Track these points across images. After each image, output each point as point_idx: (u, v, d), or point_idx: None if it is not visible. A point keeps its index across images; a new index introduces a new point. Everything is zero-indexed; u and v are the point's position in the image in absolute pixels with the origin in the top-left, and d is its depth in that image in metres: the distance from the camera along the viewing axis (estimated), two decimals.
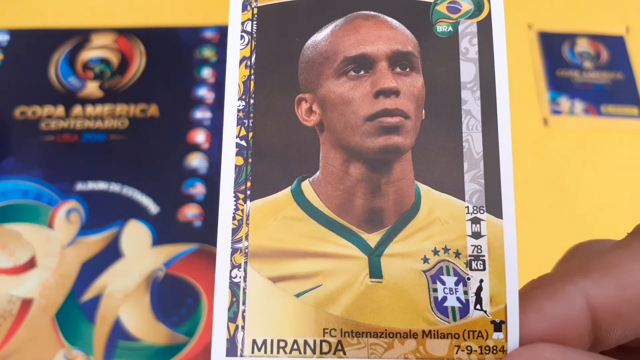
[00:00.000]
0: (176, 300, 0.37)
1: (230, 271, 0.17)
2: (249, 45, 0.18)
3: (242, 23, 0.18)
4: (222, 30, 0.48)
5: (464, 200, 0.17)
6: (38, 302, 0.37)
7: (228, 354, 0.16)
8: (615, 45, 0.49)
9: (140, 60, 0.47)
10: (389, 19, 0.18)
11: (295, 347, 0.17)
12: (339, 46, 0.18)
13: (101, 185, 0.41)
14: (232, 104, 0.18)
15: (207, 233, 0.40)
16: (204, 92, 0.45)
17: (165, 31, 0.48)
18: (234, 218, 0.17)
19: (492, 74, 0.17)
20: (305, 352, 0.17)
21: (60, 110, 0.45)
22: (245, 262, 0.17)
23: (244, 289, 0.17)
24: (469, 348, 0.16)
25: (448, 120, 0.17)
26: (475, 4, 0.18)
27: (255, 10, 0.18)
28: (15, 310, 0.37)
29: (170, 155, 0.42)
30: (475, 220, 0.17)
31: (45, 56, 0.47)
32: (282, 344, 0.17)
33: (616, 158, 0.44)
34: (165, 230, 0.40)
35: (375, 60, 0.17)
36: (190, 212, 0.40)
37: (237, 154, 0.17)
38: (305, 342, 0.17)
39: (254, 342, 0.16)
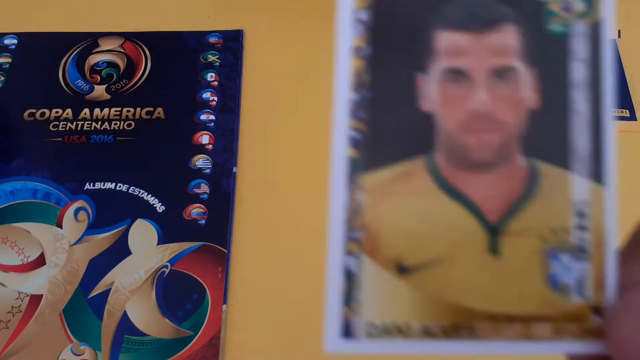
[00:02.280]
0: (181, 296, 0.38)
1: (344, 259, 0.18)
2: (364, 35, 0.18)
3: (355, 11, 0.18)
4: (226, 36, 0.49)
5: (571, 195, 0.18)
6: (46, 299, 0.38)
7: (343, 337, 0.17)
8: None
9: (146, 64, 0.48)
10: (494, 25, 0.18)
11: (408, 330, 0.18)
12: (440, 51, 0.18)
13: (108, 185, 0.42)
14: (345, 96, 0.18)
15: (211, 231, 0.41)
16: (208, 96, 0.46)
17: (170, 36, 0.49)
18: (347, 207, 0.18)
19: (601, 75, 0.18)
20: (418, 336, 0.17)
21: (68, 112, 0.45)
22: (360, 251, 0.18)
23: (359, 276, 0.18)
24: (570, 330, 0.17)
25: (558, 118, 0.18)
26: (587, 5, 0.18)
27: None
28: (23, 306, 0.38)
29: (175, 156, 0.43)
30: (581, 215, 0.18)
31: (53, 60, 0.48)
32: (395, 327, 0.18)
33: None
34: (171, 228, 0.41)
35: (471, 73, 0.18)
36: (195, 211, 0.41)
37: (351, 145, 0.18)
38: (419, 326, 0.18)
39: (369, 325, 0.17)
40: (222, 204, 0.42)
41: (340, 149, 0.18)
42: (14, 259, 0.39)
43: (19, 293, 0.38)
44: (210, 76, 0.47)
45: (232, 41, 0.49)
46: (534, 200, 0.18)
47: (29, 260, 0.39)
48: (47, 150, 0.44)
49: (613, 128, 0.18)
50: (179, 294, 0.38)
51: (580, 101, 0.18)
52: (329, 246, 0.17)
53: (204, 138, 0.44)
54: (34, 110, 0.45)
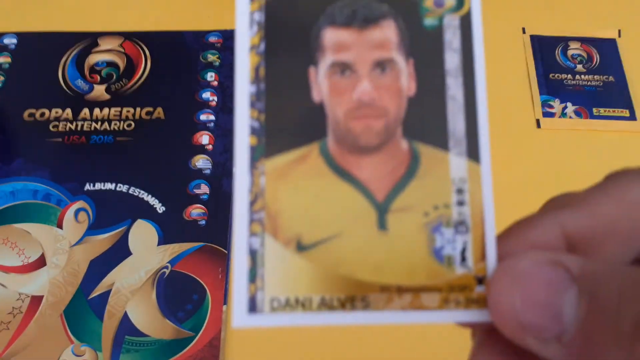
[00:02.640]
0: (182, 296, 0.38)
1: (249, 239, 0.19)
2: (259, 33, 0.20)
3: (251, 13, 0.20)
4: (225, 35, 0.49)
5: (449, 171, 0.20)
6: (47, 300, 0.38)
7: (249, 312, 0.19)
8: (607, 48, 0.50)
9: (145, 63, 0.47)
10: (376, 21, 0.20)
11: (308, 303, 0.19)
12: (327, 46, 0.20)
13: (109, 186, 0.42)
14: (244, 89, 0.20)
15: (211, 231, 0.41)
16: (208, 95, 0.46)
17: (170, 36, 0.49)
18: (250, 191, 0.19)
19: (472, 62, 0.20)
20: (317, 308, 0.19)
21: (68, 112, 0.45)
22: (263, 231, 0.19)
23: (262, 254, 0.19)
24: (456, 300, 0.19)
25: (435, 104, 0.20)
26: (457, 0, 0.20)
27: (263, 1, 0.20)
28: (24, 307, 0.38)
29: (175, 156, 0.43)
30: (460, 192, 0.19)
31: (53, 59, 0.47)
32: (296, 301, 0.19)
33: (608, 160, 0.45)
34: (171, 229, 0.41)
35: (355, 66, 0.20)
36: (195, 212, 0.41)
37: (251, 133, 0.19)
38: (318, 299, 0.19)
39: (272, 300, 0.19)
40: (222, 205, 0.42)
41: (242, 137, 0.19)
42: (15, 260, 0.39)
43: (19, 294, 0.38)
44: (210, 76, 0.47)
45: (232, 40, 0.49)
46: (416, 180, 0.20)
47: (30, 261, 0.39)
48: (47, 151, 0.44)
49: (485, 110, 0.20)
50: (179, 295, 0.38)
51: (454, 87, 0.20)
52: (235, 227, 0.19)
53: (204, 138, 0.44)
54: (33, 110, 0.45)
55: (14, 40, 0.48)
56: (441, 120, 0.20)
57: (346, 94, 0.20)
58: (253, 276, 0.19)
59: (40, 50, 0.48)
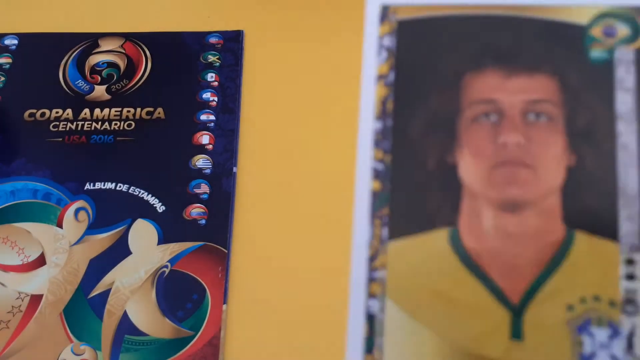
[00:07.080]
0: (181, 295, 0.38)
1: (367, 301, 0.15)
2: (388, 61, 0.16)
3: (380, 37, 0.16)
4: (226, 36, 0.49)
5: (617, 240, 0.15)
6: (46, 299, 0.38)
7: None
8: None
9: (146, 64, 0.48)
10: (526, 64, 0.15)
11: None
12: (471, 91, 0.16)
13: (109, 185, 0.42)
14: (369, 124, 0.16)
15: (211, 231, 0.41)
16: (208, 96, 0.46)
17: (170, 36, 0.49)
18: (370, 245, 0.16)
19: None
20: None
21: (68, 112, 0.46)
22: (383, 294, 0.15)
23: (382, 321, 0.15)
24: None
25: (602, 156, 0.15)
26: (633, 29, 0.15)
27: (395, 25, 0.16)
28: (24, 306, 0.38)
29: (176, 156, 0.43)
30: (630, 262, 0.15)
31: (54, 60, 0.48)
32: None
33: None
34: (171, 228, 0.41)
35: (504, 108, 0.16)
36: (195, 211, 0.42)
37: (375, 177, 0.16)
38: None
39: None
40: (222, 204, 0.42)
41: (363, 181, 0.16)
42: (14, 259, 0.40)
43: (19, 293, 0.39)
44: (211, 76, 0.47)
45: (233, 41, 0.49)
46: (562, 269, 0.15)
47: (29, 260, 0.40)
48: (48, 151, 0.44)
49: None
50: (179, 294, 0.38)
51: (626, 134, 0.15)
52: (351, 285, 0.15)
53: (204, 138, 0.44)
54: (34, 111, 0.46)
55: (15, 41, 0.49)
56: (610, 175, 0.15)
57: (490, 143, 0.16)
58: (370, 346, 0.15)
59: (41, 51, 0.48)
